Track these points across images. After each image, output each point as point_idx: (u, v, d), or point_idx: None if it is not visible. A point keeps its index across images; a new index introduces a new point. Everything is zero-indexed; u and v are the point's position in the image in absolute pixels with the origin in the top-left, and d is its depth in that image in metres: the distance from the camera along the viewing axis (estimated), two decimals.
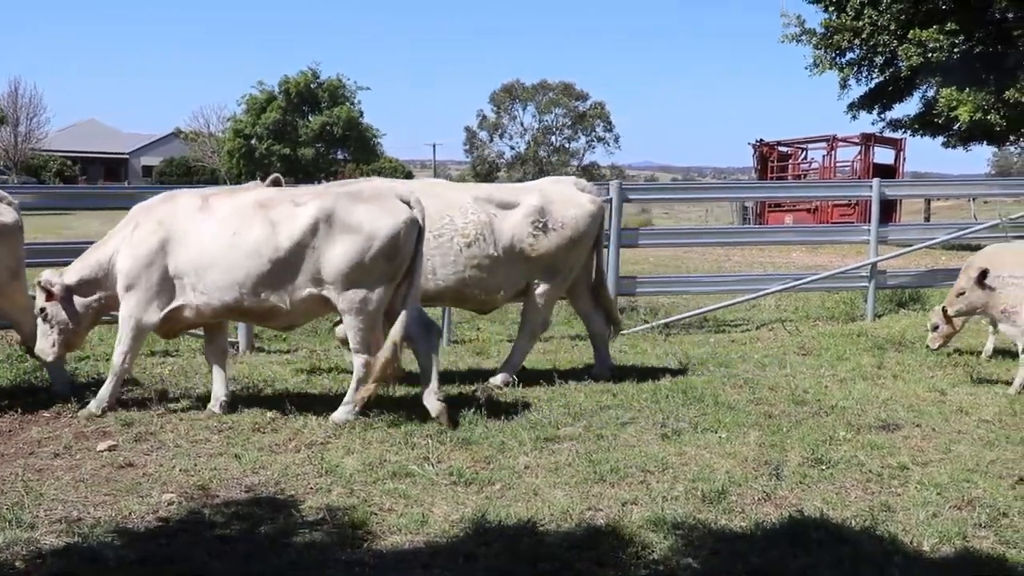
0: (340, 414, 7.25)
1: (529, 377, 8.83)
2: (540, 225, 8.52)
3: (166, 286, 7.29)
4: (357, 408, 7.24)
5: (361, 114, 66.29)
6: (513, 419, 7.33)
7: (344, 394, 7.61)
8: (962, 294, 8.70)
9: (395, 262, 7.22)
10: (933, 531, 5.18)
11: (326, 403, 7.64)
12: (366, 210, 7.17)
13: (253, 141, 63.62)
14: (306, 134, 63.72)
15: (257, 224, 7.15)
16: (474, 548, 4.91)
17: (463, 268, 8.35)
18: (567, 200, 8.75)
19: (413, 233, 7.27)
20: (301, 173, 61.65)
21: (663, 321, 11.87)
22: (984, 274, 8.55)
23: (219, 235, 7.17)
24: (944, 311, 8.85)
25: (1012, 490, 5.90)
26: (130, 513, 5.38)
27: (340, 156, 67.31)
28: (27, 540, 4.93)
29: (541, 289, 8.73)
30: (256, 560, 4.74)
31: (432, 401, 7.23)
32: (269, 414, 7.37)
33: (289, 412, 7.40)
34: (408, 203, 7.33)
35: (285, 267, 7.14)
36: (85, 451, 6.58)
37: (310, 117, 64.81)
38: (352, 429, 7.01)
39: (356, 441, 6.75)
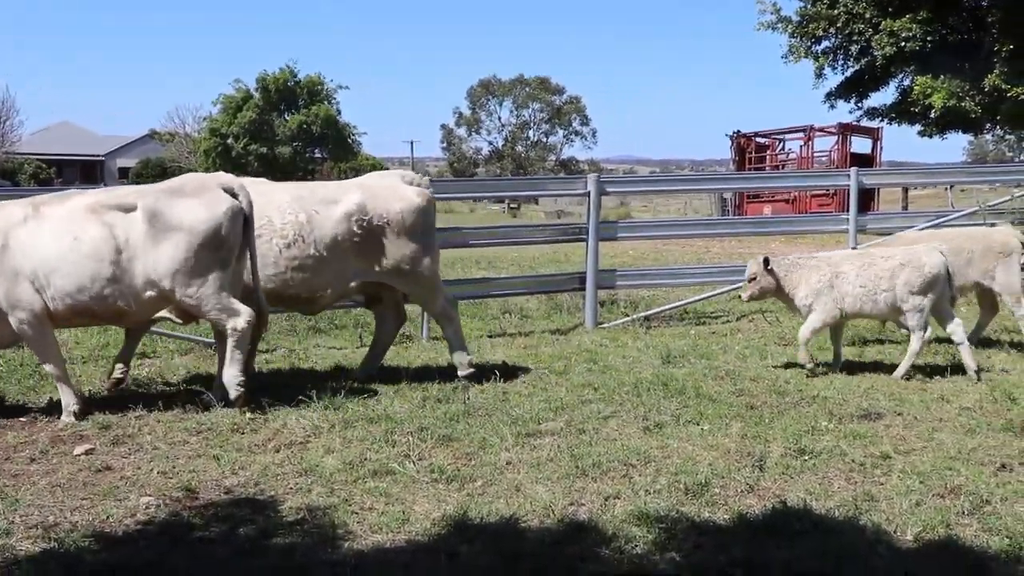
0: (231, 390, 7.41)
1: (510, 372, 8.80)
2: (363, 222, 8.22)
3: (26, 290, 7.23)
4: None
5: (339, 112, 66.05)
6: (494, 415, 7.29)
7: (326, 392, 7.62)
8: (753, 279, 9.06)
9: (221, 252, 7.37)
10: (916, 520, 5.18)
11: (305, 402, 7.57)
12: (186, 205, 7.32)
13: (229, 140, 63.23)
14: (283, 133, 63.40)
15: (92, 228, 7.23)
16: (456, 546, 4.87)
17: (284, 269, 8.06)
18: (392, 195, 8.47)
19: (238, 221, 7.46)
20: (279, 172, 61.41)
21: (643, 314, 11.85)
22: (767, 260, 8.96)
23: (60, 240, 7.20)
24: (765, 260, 9.01)
25: (994, 477, 5.90)
26: (108, 517, 5.31)
27: (318, 155, 67.02)
28: (2, 547, 4.87)
29: (411, 287, 8.61)
30: (236, 563, 4.69)
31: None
32: (248, 414, 7.29)
33: (268, 412, 7.34)
34: (233, 192, 7.49)
35: (124, 269, 7.23)
36: (62, 455, 6.50)
37: (287, 116, 64.49)
38: (332, 427, 6.95)
39: (336, 440, 6.69)
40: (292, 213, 8.11)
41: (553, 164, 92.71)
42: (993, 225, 10.98)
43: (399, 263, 8.41)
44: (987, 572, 4.60)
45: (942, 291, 8.69)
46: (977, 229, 10.39)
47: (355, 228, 8.21)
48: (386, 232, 8.32)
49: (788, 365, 9.09)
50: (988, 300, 10.20)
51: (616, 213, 39.66)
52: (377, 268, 8.39)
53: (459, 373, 8.52)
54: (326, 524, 5.18)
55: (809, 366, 8.74)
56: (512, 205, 52.95)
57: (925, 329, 8.67)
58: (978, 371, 8.54)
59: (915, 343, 8.66)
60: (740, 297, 9.27)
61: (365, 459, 6.25)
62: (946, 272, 8.70)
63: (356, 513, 5.36)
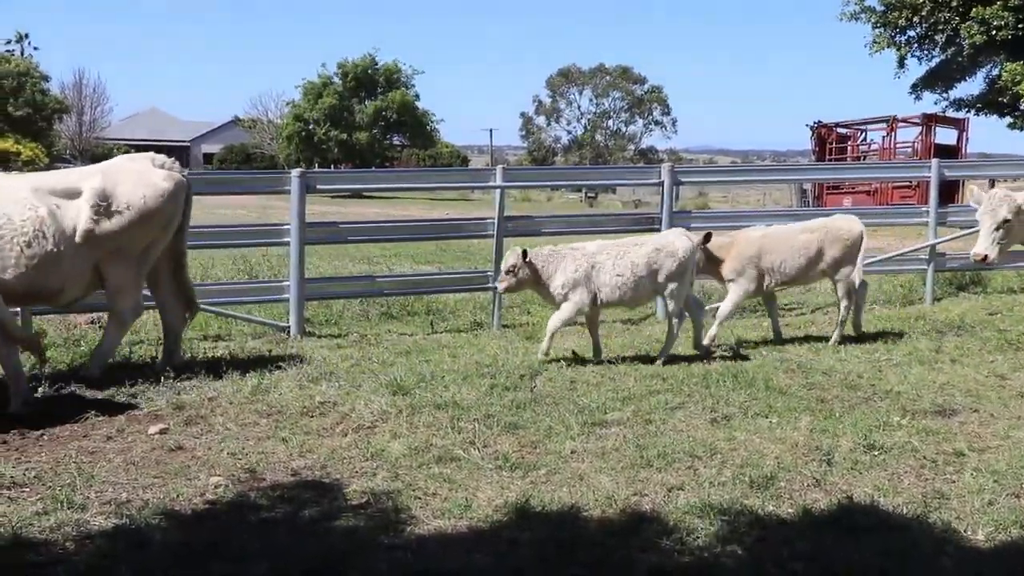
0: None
1: (579, 362, 8.79)
2: (102, 208, 7.74)
3: None
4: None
5: (417, 97, 66.37)
6: (561, 404, 7.29)
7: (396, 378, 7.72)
8: (512, 271, 8.94)
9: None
10: (988, 519, 5.07)
11: (374, 387, 7.65)
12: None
13: (311, 126, 63.96)
14: (362, 119, 63.95)
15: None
16: (517, 533, 4.89)
17: (25, 270, 7.48)
18: (137, 179, 8.00)
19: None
20: (357, 158, 61.99)
21: (715, 305, 11.71)
22: (525, 252, 8.90)
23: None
24: (524, 252, 8.89)
25: None
26: (178, 496, 5.44)
27: (396, 141, 67.51)
28: (77, 521, 5.01)
29: (113, 275, 8.00)
30: (298, 543, 4.76)
31: None
32: (318, 398, 7.40)
33: (338, 396, 7.43)
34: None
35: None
36: (137, 434, 6.66)
37: (366, 102, 65.03)
38: (400, 413, 7.01)
39: (403, 425, 6.75)
40: (32, 208, 7.55)
41: (632, 154, 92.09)
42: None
43: (131, 249, 8.00)
44: None
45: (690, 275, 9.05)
46: (818, 220, 10.33)
47: (92, 215, 7.72)
48: (125, 218, 7.84)
49: (861, 357, 8.92)
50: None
51: (694, 204, 39.30)
52: (110, 256, 7.91)
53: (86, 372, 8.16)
54: (389, 508, 5.23)
55: (543, 358, 8.84)
56: (590, 194, 52.82)
57: (682, 316, 9.05)
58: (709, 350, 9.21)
59: (674, 328, 9.06)
60: (496, 289, 9.07)
61: (431, 445, 6.30)
62: (694, 256, 8.99)
63: (419, 498, 5.41)
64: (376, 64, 65.57)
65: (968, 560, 4.60)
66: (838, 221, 10.14)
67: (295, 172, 10.47)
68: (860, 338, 9.92)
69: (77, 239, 7.67)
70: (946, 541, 4.82)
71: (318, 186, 10.93)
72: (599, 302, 8.89)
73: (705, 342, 9.33)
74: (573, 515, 5.15)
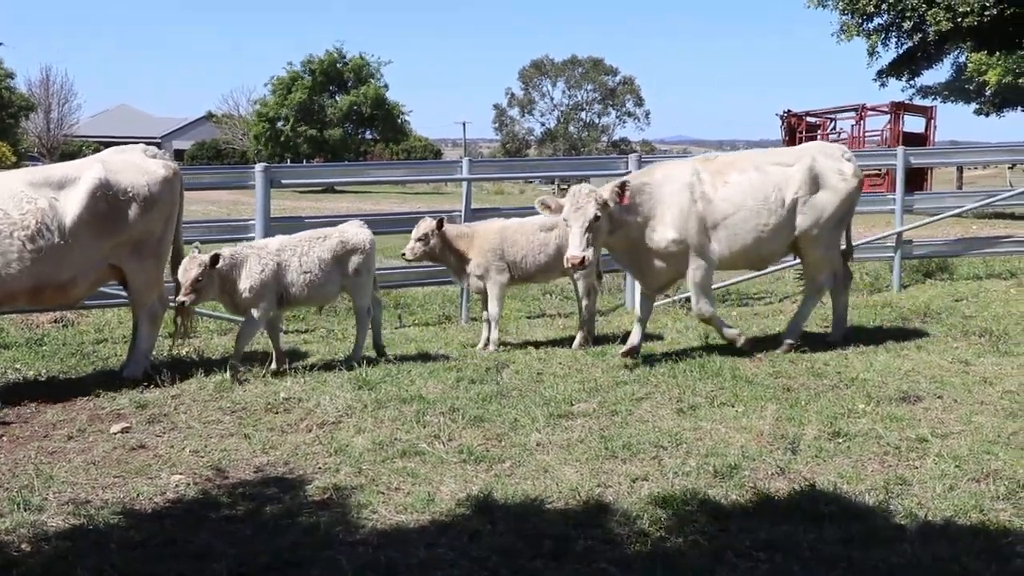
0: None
1: (546, 353, 8.78)
2: (107, 198, 7.76)
3: None
4: None
5: (386, 88, 66.04)
6: (527, 396, 7.28)
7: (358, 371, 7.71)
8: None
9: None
10: (949, 504, 5.09)
11: (340, 383, 7.62)
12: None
13: (280, 123, 63.61)
14: (334, 115, 63.66)
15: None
16: (479, 526, 4.87)
17: (31, 264, 7.46)
18: (136, 168, 8.06)
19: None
20: (330, 154, 61.70)
21: (684, 295, 11.72)
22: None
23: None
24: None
25: None
26: (138, 495, 5.39)
27: (368, 136, 67.23)
28: (33, 523, 4.96)
29: (135, 272, 8.10)
30: (259, 541, 4.72)
31: None
32: (282, 394, 7.35)
33: (303, 392, 7.39)
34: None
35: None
36: (98, 433, 6.61)
37: (337, 97, 64.71)
38: (365, 408, 6.99)
39: (368, 420, 6.72)
40: (30, 201, 7.53)
41: (606, 145, 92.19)
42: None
43: (147, 240, 8.09)
44: (1019, 557, 4.50)
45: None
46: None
47: (102, 205, 7.75)
48: (134, 209, 7.91)
49: (829, 347, 8.95)
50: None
51: None
52: (127, 249, 8.00)
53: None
54: (351, 504, 5.21)
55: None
56: (562, 186, 52.77)
57: (369, 312, 8.64)
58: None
59: (364, 323, 8.67)
60: (180, 305, 8.05)
61: (395, 439, 6.28)
62: (375, 248, 8.73)
63: (382, 493, 5.38)
64: (344, 58, 65.21)
65: (928, 544, 4.61)
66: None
67: (259, 167, 10.42)
68: (828, 326, 9.95)
69: (84, 230, 7.68)
70: (907, 526, 4.84)
71: (283, 181, 10.88)
72: (286, 302, 8.32)
73: (490, 347, 9.15)
74: (537, 507, 5.13)
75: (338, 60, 64.75)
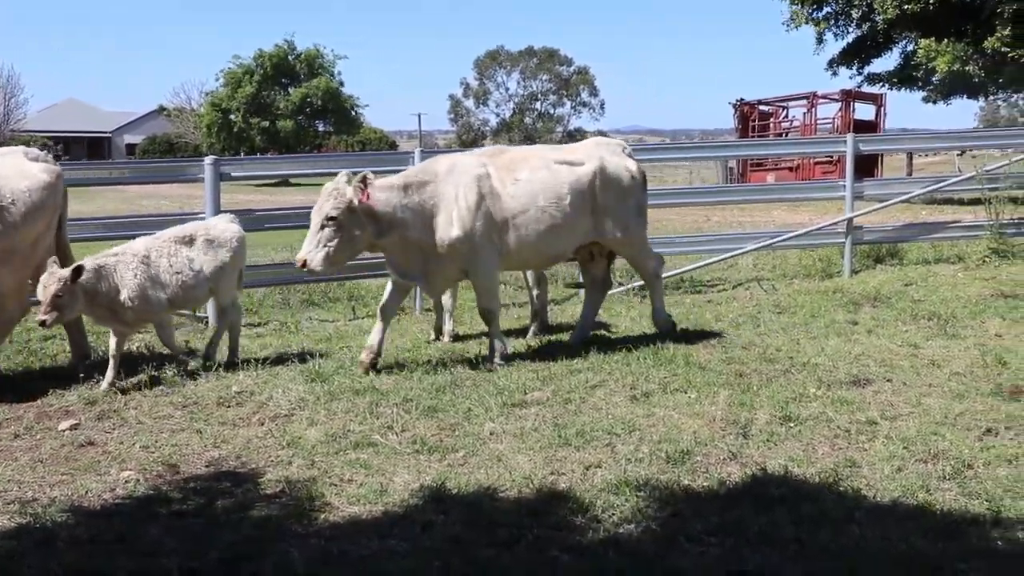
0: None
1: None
2: None
3: None
4: None
5: (341, 84, 65.70)
6: (481, 386, 7.28)
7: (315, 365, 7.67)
8: (57, 299, 7.27)
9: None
10: (897, 485, 5.15)
11: (292, 375, 7.58)
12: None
13: (232, 116, 63.04)
14: (286, 107, 63.20)
15: None
16: (432, 516, 4.86)
17: None
18: (16, 173, 7.70)
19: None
20: (282, 146, 61.23)
21: (638, 283, 11.77)
22: (78, 271, 7.29)
23: None
24: (77, 271, 7.27)
25: (979, 442, 5.86)
26: (86, 492, 5.33)
27: (321, 128, 66.80)
28: None
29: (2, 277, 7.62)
30: (211, 535, 4.68)
31: None
32: (234, 388, 7.30)
33: (255, 386, 7.34)
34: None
35: None
36: (46, 431, 6.52)
37: (289, 89, 64.24)
38: (318, 400, 6.95)
39: (321, 412, 6.69)
40: None
41: (561, 135, 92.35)
42: None
43: (19, 247, 7.66)
44: (964, 535, 4.56)
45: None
46: None
47: None
48: (11, 215, 7.50)
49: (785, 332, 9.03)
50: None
51: None
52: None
53: None
54: (303, 496, 5.17)
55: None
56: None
57: (234, 311, 8.30)
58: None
59: (233, 324, 8.31)
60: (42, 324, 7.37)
61: (348, 431, 6.25)
62: (245, 243, 8.33)
63: (335, 485, 5.36)
64: (295, 50, 64.71)
65: (876, 524, 4.67)
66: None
67: (208, 159, 10.32)
68: (780, 312, 10.05)
69: None
70: (856, 508, 4.89)
71: (233, 173, 10.77)
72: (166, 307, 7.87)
73: (445, 338, 9.17)
74: (490, 496, 5.13)
75: (289, 53, 64.26)
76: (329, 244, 7.58)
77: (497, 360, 8.00)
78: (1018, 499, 4.93)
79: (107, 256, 7.64)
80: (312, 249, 7.57)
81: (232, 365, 8.07)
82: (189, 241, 7.98)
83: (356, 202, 7.56)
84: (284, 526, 4.79)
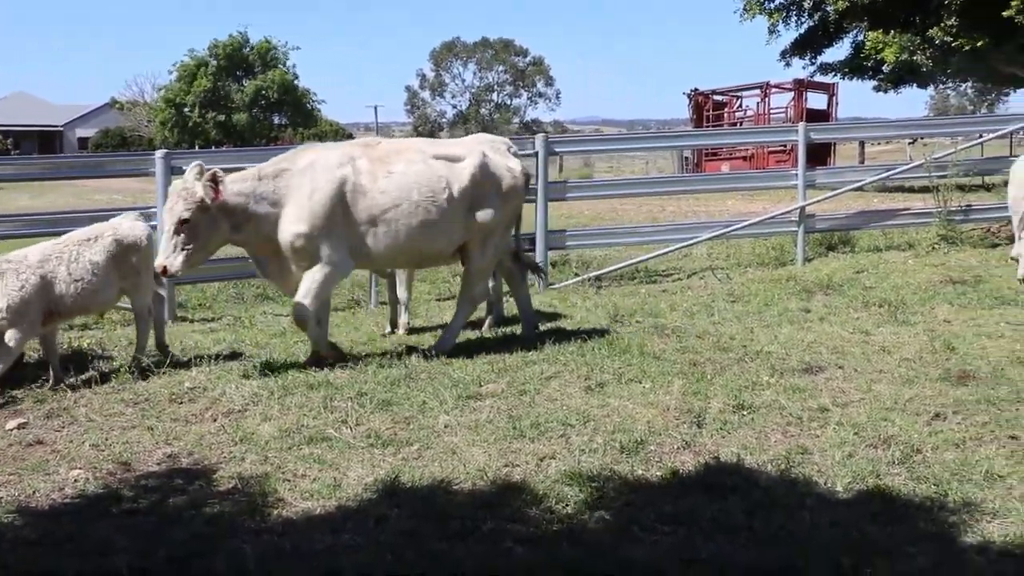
0: None
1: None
2: None
3: None
4: None
5: (296, 77, 65.27)
6: (436, 378, 7.26)
7: (268, 359, 7.68)
8: None
9: None
10: (847, 471, 5.20)
11: (246, 370, 7.52)
12: None
13: (186, 110, 62.42)
14: (241, 100, 62.65)
15: None
16: (386, 510, 4.84)
17: None
18: None
19: None
20: (237, 139, 60.71)
21: (593, 274, 11.83)
22: None
23: None
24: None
25: (928, 426, 5.94)
26: (34, 492, 5.26)
27: (277, 121, 66.30)
28: None
29: None
30: (162, 533, 4.64)
31: None
32: (187, 384, 7.23)
33: (208, 381, 7.28)
34: None
35: None
36: None
37: (244, 82, 63.69)
38: (271, 395, 6.90)
39: (274, 407, 6.64)
40: None
41: (517, 126, 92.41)
42: None
43: None
44: (912, 519, 4.63)
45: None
46: None
47: None
48: None
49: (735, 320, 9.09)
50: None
51: (579, 174, 39.59)
52: None
53: None
54: (257, 492, 5.14)
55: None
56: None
57: (151, 313, 8.05)
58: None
59: (144, 325, 8.02)
60: None
61: (302, 426, 6.21)
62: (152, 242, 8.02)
63: (288, 480, 5.33)
64: (248, 43, 64.16)
65: (827, 510, 4.72)
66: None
67: (159, 153, 10.24)
68: (734, 301, 10.12)
69: None
70: (807, 494, 4.94)
71: (184, 167, 10.62)
72: (58, 316, 7.52)
73: (400, 331, 9.13)
74: (444, 489, 5.13)
75: (243, 45, 63.70)
76: (187, 247, 7.33)
77: (312, 368, 7.56)
78: (965, 482, 5.00)
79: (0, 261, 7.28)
80: (170, 254, 7.30)
81: (165, 354, 8.02)
82: (93, 243, 7.60)
83: (209, 201, 7.29)
84: (237, 522, 4.75)
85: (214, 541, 4.52)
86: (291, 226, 7.56)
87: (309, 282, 7.67)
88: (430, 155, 8.08)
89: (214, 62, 63.01)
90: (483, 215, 8.13)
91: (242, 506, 4.97)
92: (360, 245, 7.80)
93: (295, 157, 7.91)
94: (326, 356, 7.78)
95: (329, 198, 7.61)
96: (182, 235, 7.31)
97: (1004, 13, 19.85)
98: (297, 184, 7.63)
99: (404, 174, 7.87)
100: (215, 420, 6.46)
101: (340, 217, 7.67)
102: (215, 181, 7.29)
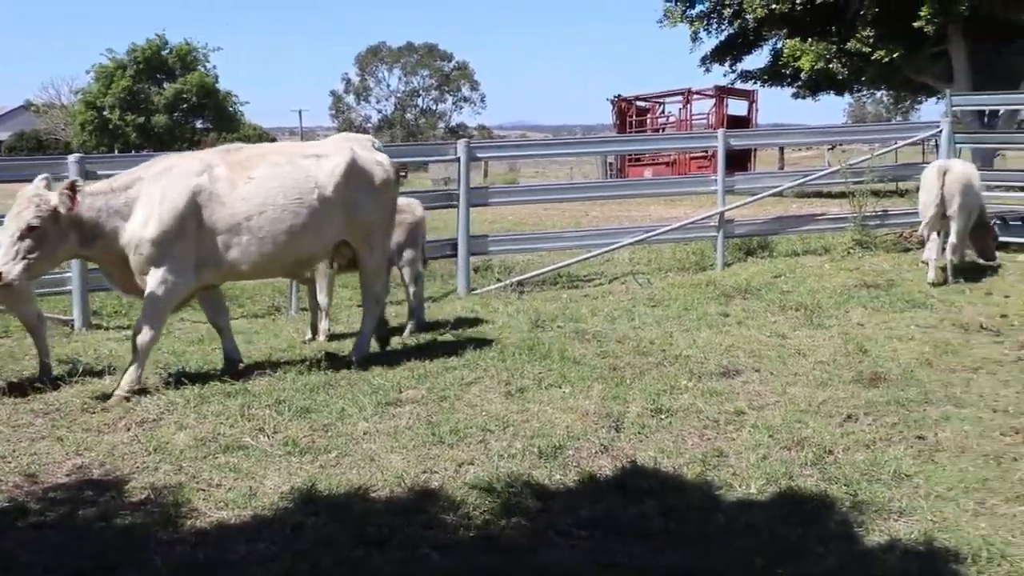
0: None
1: (374, 342, 8.71)
2: None
3: None
4: None
5: (217, 79, 64.40)
6: (356, 385, 7.21)
7: (185, 368, 7.49)
8: None
9: None
10: (761, 473, 5.28)
11: (161, 379, 7.40)
12: None
13: (105, 112, 61.22)
14: (160, 103, 61.63)
15: None
16: (302, 518, 4.80)
17: None
18: None
19: None
20: (157, 143, 59.72)
21: (516, 279, 11.85)
22: None
23: None
24: None
25: (840, 428, 6.06)
26: None
27: (199, 125, 65.33)
28: None
29: None
30: (70, 546, 4.53)
31: None
32: (100, 393, 7.08)
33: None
34: None
35: None
36: None
37: (164, 85, 62.66)
38: (188, 403, 6.79)
39: (190, 416, 6.53)
40: None
41: (444, 131, 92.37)
42: None
43: None
44: (823, 519, 4.71)
45: None
46: None
47: None
48: None
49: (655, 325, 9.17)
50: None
51: (504, 179, 39.64)
52: None
53: None
54: (170, 502, 5.05)
55: None
56: (400, 173, 52.45)
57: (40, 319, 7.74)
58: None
59: (34, 334, 7.74)
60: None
61: (218, 434, 6.12)
62: None
63: (203, 490, 5.24)
64: (167, 45, 63.14)
65: (741, 512, 4.79)
66: (399, 204, 9.08)
67: (72, 157, 10.04)
68: (654, 306, 10.21)
69: None
70: (721, 497, 5.01)
71: (99, 172, 10.43)
72: None
73: (320, 337, 9.04)
74: (361, 496, 5.09)
75: (161, 47, 62.68)
76: (29, 256, 6.84)
77: (125, 392, 7.06)
78: (874, 482, 5.12)
79: None
80: (9, 261, 6.78)
81: (75, 371, 7.81)
82: None
83: (64, 210, 6.88)
84: (149, 534, 4.66)
85: (125, 554, 4.43)
86: (137, 231, 7.17)
87: (153, 301, 7.30)
88: (297, 155, 7.82)
89: (132, 65, 61.88)
90: (360, 212, 7.89)
91: (154, 517, 4.87)
92: (221, 256, 7.40)
93: (151, 165, 7.58)
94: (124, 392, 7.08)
95: (180, 207, 7.21)
96: (27, 242, 6.83)
97: (914, 24, 20.38)
98: (148, 192, 7.24)
99: (268, 178, 7.53)
100: (128, 430, 6.33)
101: (192, 228, 7.28)
102: (73, 190, 6.91)
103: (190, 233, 7.27)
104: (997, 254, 11.93)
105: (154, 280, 7.25)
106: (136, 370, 7.22)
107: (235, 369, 7.66)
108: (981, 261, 11.77)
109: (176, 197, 7.22)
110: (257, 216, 7.42)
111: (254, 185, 7.47)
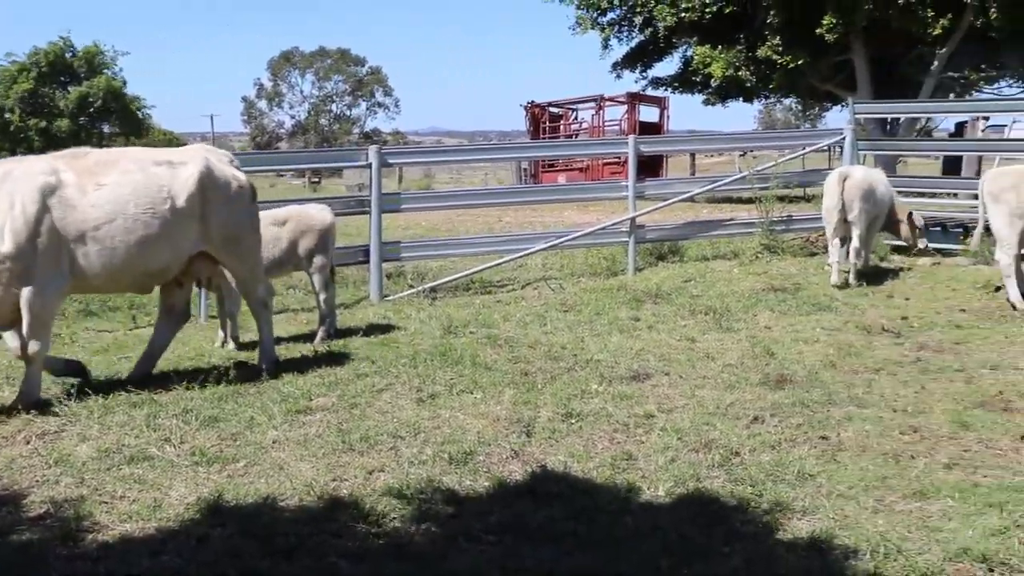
0: None
1: (285, 349, 8.63)
2: None
3: None
4: None
5: (124, 83, 63.04)
6: (265, 393, 7.13)
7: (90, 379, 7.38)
8: None
9: None
10: (669, 475, 5.34)
11: (64, 389, 7.22)
12: None
13: (7, 115, 59.53)
14: (65, 107, 60.13)
15: None
16: (208, 529, 4.72)
17: None
18: None
19: None
20: (61, 146, 58.20)
21: (428, 285, 11.83)
22: None
23: None
24: None
25: (747, 430, 6.16)
26: None
27: (105, 130, 63.88)
28: None
29: None
30: None
31: None
32: None
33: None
34: None
35: None
36: None
37: (69, 88, 61.14)
38: (91, 414, 6.63)
39: (94, 427, 6.38)
40: None
41: (358, 136, 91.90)
42: None
43: None
44: (729, 520, 4.78)
45: None
46: (286, 209, 9.69)
47: None
48: None
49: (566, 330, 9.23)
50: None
51: (418, 185, 39.60)
52: None
53: None
54: (71, 517, 4.91)
55: None
56: (314, 179, 51.99)
57: None
58: None
59: None
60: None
61: (123, 445, 5.99)
62: None
63: (106, 503, 5.12)
64: (72, 48, 61.64)
65: (649, 514, 4.84)
66: (309, 210, 9.58)
67: None
68: (567, 311, 10.27)
69: None
70: (630, 499, 5.05)
71: None
72: None
73: (229, 345, 9.04)
74: (269, 506, 5.03)
75: (66, 50, 61.17)
76: None
77: (23, 406, 6.80)
78: (779, 482, 5.21)
79: None
80: None
81: None
82: None
83: None
84: (48, 549, 4.54)
85: (22, 570, 4.31)
86: None
87: (32, 318, 6.82)
88: (149, 162, 7.38)
89: (35, 68, 60.28)
90: (216, 221, 7.54)
91: (55, 532, 4.75)
92: (70, 266, 6.95)
93: None
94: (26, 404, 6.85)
95: (36, 212, 6.75)
96: None
97: (816, 31, 20.87)
98: None
99: (119, 185, 7.10)
100: (28, 442, 6.16)
101: (47, 231, 6.81)
102: None
103: (49, 240, 6.81)
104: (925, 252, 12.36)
105: (31, 295, 6.79)
106: (32, 381, 7.00)
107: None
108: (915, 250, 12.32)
109: (28, 204, 6.75)
110: (107, 224, 7.01)
111: (103, 192, 7.04)
